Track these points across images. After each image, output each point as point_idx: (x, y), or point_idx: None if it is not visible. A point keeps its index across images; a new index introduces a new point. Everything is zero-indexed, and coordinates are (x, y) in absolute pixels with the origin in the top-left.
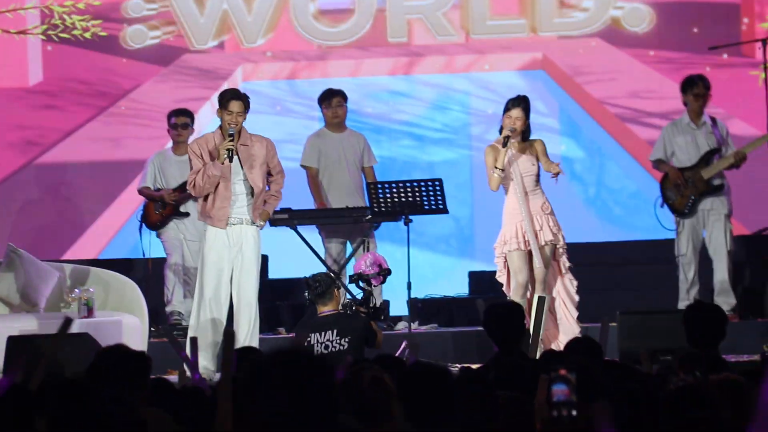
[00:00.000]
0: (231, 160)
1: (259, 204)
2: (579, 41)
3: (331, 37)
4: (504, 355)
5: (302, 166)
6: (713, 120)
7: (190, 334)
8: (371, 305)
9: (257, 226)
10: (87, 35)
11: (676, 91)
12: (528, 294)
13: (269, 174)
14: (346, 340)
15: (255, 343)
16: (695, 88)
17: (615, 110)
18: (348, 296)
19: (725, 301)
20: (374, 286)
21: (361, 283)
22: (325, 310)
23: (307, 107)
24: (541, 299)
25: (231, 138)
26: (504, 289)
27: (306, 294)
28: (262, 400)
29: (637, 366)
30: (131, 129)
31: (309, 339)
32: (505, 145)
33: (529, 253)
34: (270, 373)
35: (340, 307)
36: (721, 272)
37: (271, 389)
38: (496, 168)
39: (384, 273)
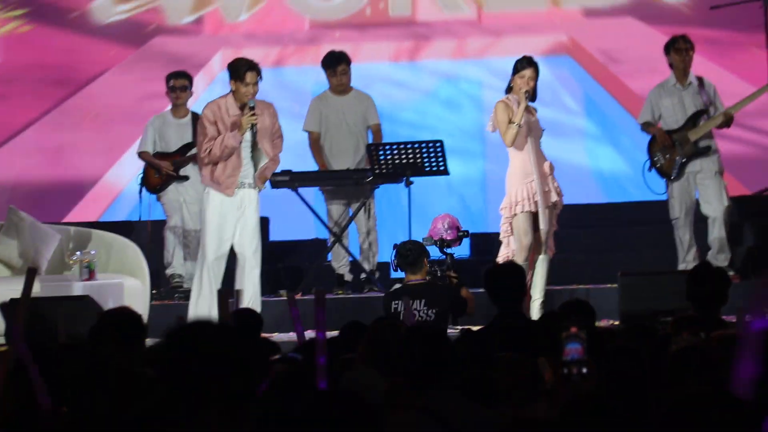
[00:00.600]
0: (251, 129)
1: (261, 167)
2: (609, 21)
3: (323, 12)
4: (505, 316)
5: (304, 130)
6: (700, 80)
7: (193, 298)
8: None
9: (257, 188)
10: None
11: (726, 82)
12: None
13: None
14: (434, 311)
15: (258, 307)
16: (676, 43)
17: None
18: (350, 254)
19: (721, 260)
20: (452, 250)
21: (442, 248)
22: (413, 278)
23: (294, 101)
24: (545, 260)
25: (253, 111)
26: (502, 252)
27: (393, 260)
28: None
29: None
30: (83, 136)
31: (396, 306)
32: (528, 99)
33: (533, 215)
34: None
35: (428, 276)
36: (718, 229)
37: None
38: (514, 123)
39: (462, 235)
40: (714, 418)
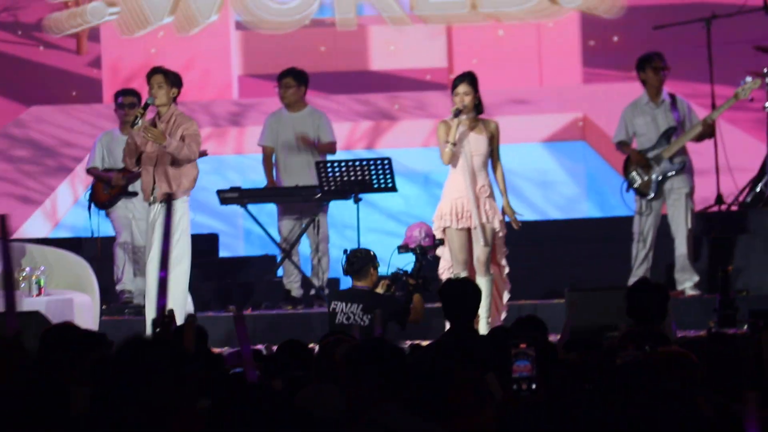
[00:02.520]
0: (136, 125)
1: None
2: None
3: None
4: (455, 332)
5: (259, 144)
6: (672, 97)
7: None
8: (421, 277)
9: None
10: None
11: None
12: (468, 273)
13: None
14: (368, 317)
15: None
16: (653, 62)
17: None
18: (300, 270)
19: (688, 278)
20: (430, 257)
21: (418, 255)
22: (359, 284)
23: None
24: (486, 281)
25: (146, 107)
26: (442, 264)
27: (343, 265)
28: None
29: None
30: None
31: (334, 306)
32: (456, 115)
33: (468, 233)
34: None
35: (387, 280)
36: (681, 249)
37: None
38: (448, 142)
39: (438, 243)
40: None
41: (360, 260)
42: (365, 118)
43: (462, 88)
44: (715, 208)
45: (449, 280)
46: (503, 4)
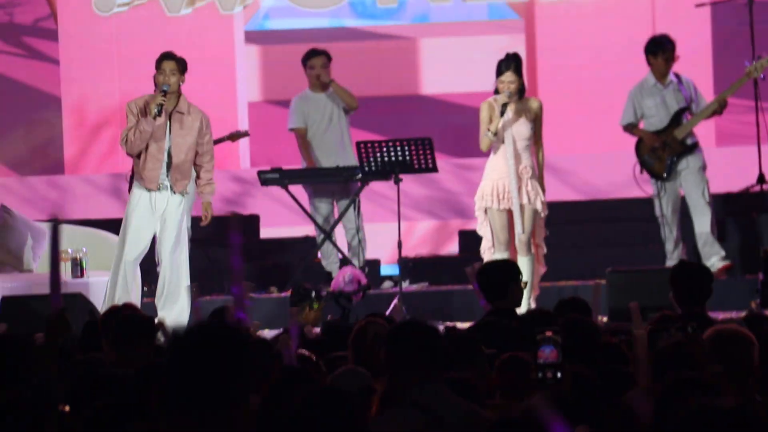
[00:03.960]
0: (160, 115)
1: (180, 180)
2: None
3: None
4: (495, 313)
5: (290, 129)
6: (678, 77)
7: (109, 295)
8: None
9: (179, 193)
10: None
11: None
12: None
13: (197, 154)
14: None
15: (184, 319)
16: (666, 52)
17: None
18: (338, 253)
19: (715, 252)
20: (354, 302)
21: (341, 301)
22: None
23: None
24: (526, 261)
25: (163, 93)
26: (483, 244)
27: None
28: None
29: (627, 323)
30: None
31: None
32: (502, 113)
33: (510, 214)
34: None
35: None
36: (703, 225)
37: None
38: (489, 131)
39: (363, 288)
40: None
41: (295, 296)
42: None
43: (508, 76)
44: (757, 188)
45: (489, 262)
46: None
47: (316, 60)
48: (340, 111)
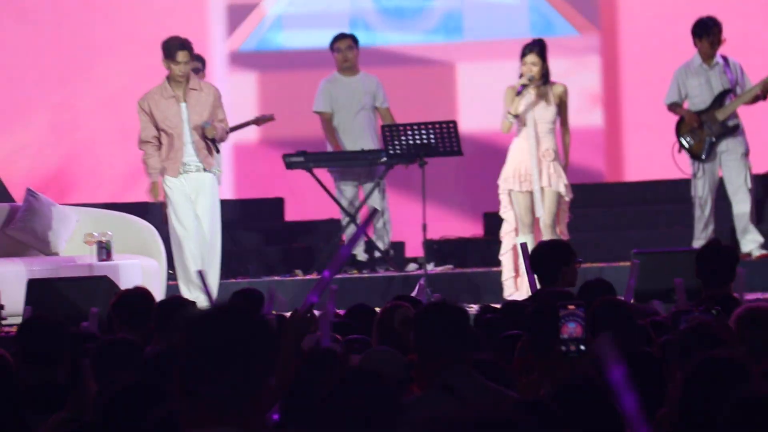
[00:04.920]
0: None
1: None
2: None
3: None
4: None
5: (315, 111)
6: (725, 59)
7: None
8: None
9: (210, 171)
10: None
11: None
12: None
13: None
14: None
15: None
16: (711, 36)
17: None
18: (365, 234)
19: (752, 239)
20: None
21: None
22: None
23: None
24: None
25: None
26: (504, 227)
27: None
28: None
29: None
30: (98, 116)
31: None
32: (518, 93)
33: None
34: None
35: None
36: (743, 211)
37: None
38: (510, 113)
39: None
40: None
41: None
42: None
43: (531, 58)
44: None
45: (542, 243)
46: None
47: (341, 42)
48: (369, 98)
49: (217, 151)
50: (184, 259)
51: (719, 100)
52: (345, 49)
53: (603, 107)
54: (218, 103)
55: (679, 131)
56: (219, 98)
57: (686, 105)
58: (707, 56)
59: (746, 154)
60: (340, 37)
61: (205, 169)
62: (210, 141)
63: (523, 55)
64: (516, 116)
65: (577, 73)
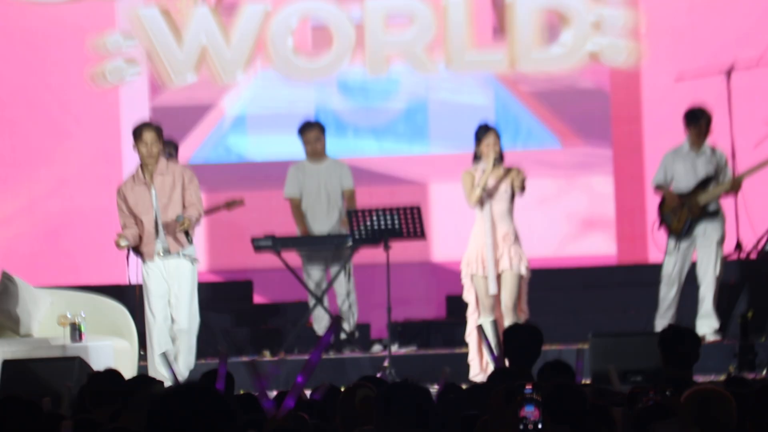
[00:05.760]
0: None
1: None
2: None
3: (310, 73)
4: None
5: (285, 197)
6: (712, 149)
7: (157, 362)
8: None
9: (178, 231)
10: None
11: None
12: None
13: (183, 207)
14: None
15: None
16: (697, 127)
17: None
18: (327, 314)
19: (708, 323)
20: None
21: None
22: None
23: None
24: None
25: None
26: (469, 309)
27: None
28: None
29: (607, 386)
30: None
31: None
32: (495, 165)
33: (498, 278)
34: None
35: None
36: (707, 296)
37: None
38: (478, 185)
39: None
40: None
41: None
42: None
43: (491, 138)
44: (735, 256)
45: (515, 325)
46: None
47: (310, 134)
48: (335, 184)
49: (190, 242)
50: (153, 343)
51: (702, 185)
52: (313, 140)
53: None
54: (188, 184)
55: (661, 210)
56: (190, 179)
57: (671, 187)
58: (694, 144)
59: (721, 241)
60: (306, 127)
61: (183, 255)
62: (184, 233)
63: (481, 137)
64: (484, 189)
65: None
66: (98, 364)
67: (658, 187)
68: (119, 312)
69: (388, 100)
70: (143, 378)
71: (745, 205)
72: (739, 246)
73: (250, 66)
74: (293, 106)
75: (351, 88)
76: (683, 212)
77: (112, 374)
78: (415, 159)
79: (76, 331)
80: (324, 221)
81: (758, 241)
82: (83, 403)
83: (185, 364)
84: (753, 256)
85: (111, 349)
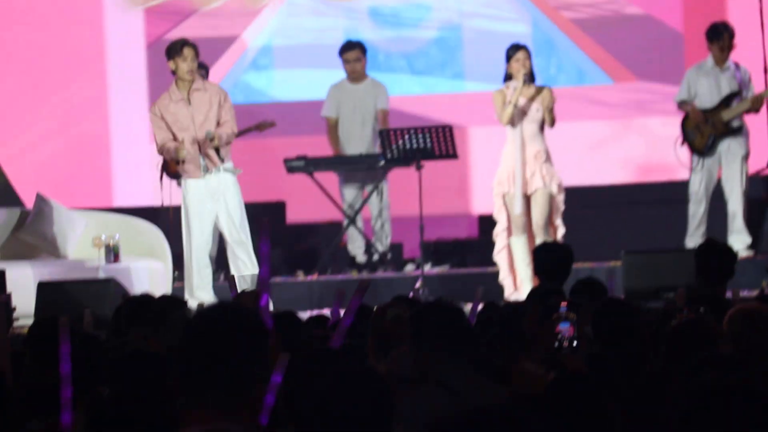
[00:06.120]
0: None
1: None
2: None
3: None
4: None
5: (322, 116)
6: (736, 65)
7: (186, 286)
8: None
9: (209, 147)
10: None
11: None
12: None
13: (218, 125)
14: None
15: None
16: (720, 41)
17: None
18: (364, 236)
19: (740, 239)
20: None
21: None
22: None
23: None
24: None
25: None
26: (497, 228)
27: None
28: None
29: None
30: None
31: None
32: (526, 82)
33: (525, 197)
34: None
35: None
36: (735, 211)
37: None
38: (510, 102)
39: None
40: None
41: None
42: None
43: (522, 54)
44: (766, 172)
45: (545, 243)
46: None
47: (350, 54)
48: (370, 104)
49: (222, 161)
50: (192, 264)
51: (726, 101)
52: (353, 61)
53: None
54: (224, 103)
55: (684, 126)
56: (225, 98)
57: (695, 104)
58: (718, 60)
59: (746, 156)
60: (347, 47)
61: (224, 170)
62: (215, 149)
63: (511, 54)
64: (515, 105)
65: None
66: (133, 285)
67: (682, 104)
68: (154, 234)
69: (419, 27)
70: (174, 299)
71: None
72: None
73: None
74: (322, 35)
75: (382, 14)
76: (706, 128)
77: (147, 297)
78: (449, 97)
79: (111, 253)
80: (357, 142)
81: None
82: (118, 324)
83: (251, 278)
84: None
85: (146, 271)
